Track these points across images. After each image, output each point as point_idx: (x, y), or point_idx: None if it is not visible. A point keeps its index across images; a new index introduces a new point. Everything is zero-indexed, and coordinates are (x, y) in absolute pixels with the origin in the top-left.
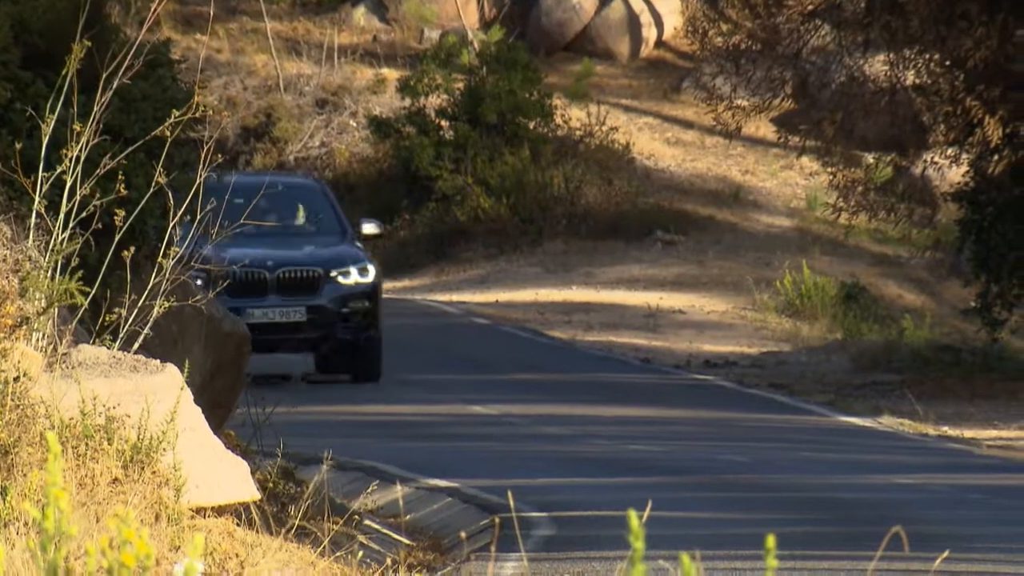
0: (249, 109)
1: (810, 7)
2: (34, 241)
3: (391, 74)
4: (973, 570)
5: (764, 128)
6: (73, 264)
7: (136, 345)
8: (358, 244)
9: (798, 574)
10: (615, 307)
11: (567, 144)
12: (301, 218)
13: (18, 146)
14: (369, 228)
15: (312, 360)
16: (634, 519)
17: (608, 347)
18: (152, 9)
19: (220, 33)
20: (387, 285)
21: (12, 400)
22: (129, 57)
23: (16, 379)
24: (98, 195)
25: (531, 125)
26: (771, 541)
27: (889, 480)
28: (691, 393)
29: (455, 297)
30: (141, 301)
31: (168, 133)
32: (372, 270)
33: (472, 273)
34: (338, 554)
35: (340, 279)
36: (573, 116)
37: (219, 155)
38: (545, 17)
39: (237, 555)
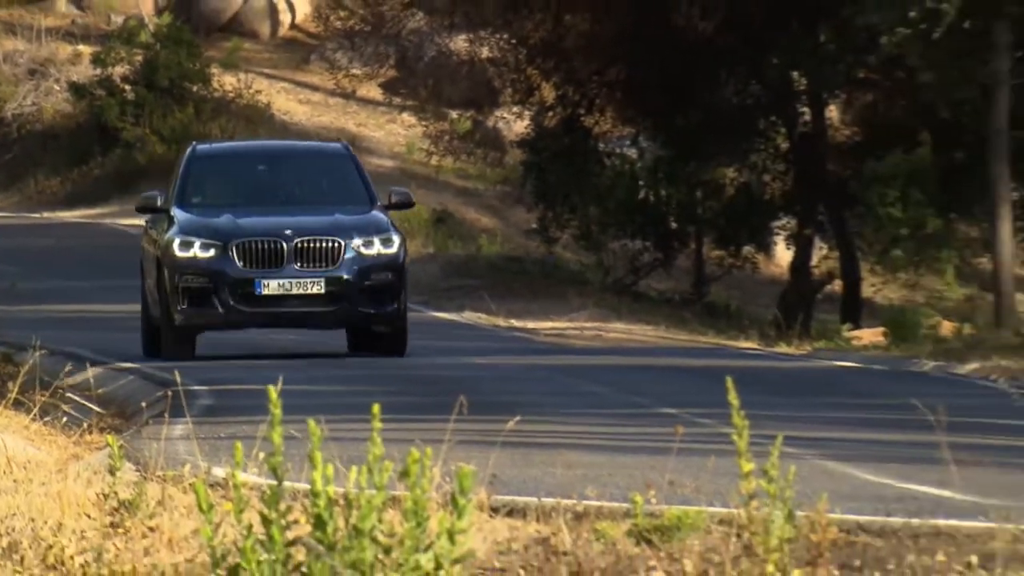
0: None
1: None
2: None
3: (86, 50)
4: (538, 429)
5: (373, 91)
6: None
7: None
8: (385, 214)
9: (398, 433)
10: None
11: (222, 104)
12: (326, 186)
13: None
14: (398, 198)
15: (346, 342)
16: (272, 391)
17: None
18: None
19: None
20: (81, 213)
21: None
22: None
23: None
24: None
25: (194, 89)
26: (376, 408)
27: (471, 361)
28: None
29: (136, 222)
30: None
31: None
32: (397, 240)
33: None
34: (46, 420)
35: (362, 249)
36: (226, 82)
37: None
38: (204, 5)
39: None
